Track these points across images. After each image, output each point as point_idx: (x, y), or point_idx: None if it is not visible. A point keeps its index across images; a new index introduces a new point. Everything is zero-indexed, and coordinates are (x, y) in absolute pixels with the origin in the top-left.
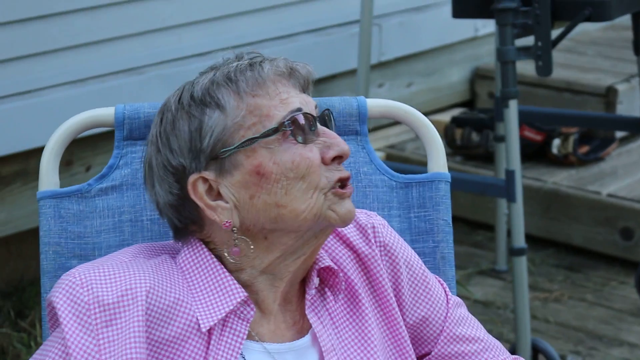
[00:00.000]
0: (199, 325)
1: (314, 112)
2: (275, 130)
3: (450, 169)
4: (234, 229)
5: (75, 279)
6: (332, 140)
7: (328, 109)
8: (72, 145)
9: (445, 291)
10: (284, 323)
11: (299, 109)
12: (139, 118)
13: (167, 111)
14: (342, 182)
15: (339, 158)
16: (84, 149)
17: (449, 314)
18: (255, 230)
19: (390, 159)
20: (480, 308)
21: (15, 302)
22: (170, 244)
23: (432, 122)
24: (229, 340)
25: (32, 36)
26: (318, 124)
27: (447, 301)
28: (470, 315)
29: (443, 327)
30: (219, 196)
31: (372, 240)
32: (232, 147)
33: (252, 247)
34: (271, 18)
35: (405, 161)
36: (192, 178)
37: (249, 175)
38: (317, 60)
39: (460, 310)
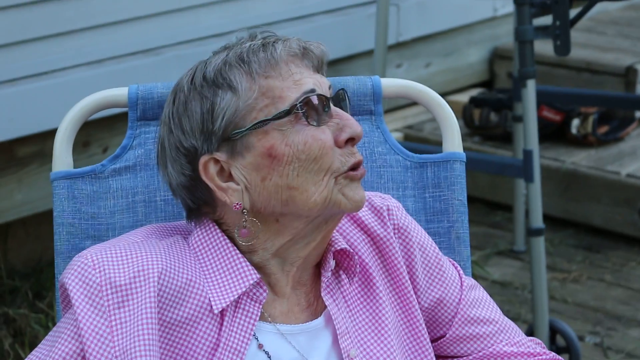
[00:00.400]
0: (211, 307)
1: (328, 93)
2: (287, 113)
3: (468, 149)
4: (244, 210)
5: (87, 261)
6: (346, 121)
7: (343, 89)
8: (89, 126)
9: (459, 274)
10: (298, 306)
11: (312, 90)
12: (152, 98)
13: (180, 91)
14: (355, 166)
15: (352, 140)
16: (101, 130)
17: (463, 297)
18: (266, 213)
19: (408, 139)
20: (498, 289)
21: (33, 284)
22: (182, 224)
23: (451, 102)
24: (242, 322)
25: (49, 17)
26: (332, 105)
27: (461, 284)
28: (485, 297)
29: (457, 310)
30: (230, 178)
31: (387, 223)
32: (244, 129)
33: (260, 229)
34: None
35: (423, 141)
36: (203, 159)
37: (260, 158)
38: (335, 41)
39: (475, 292)
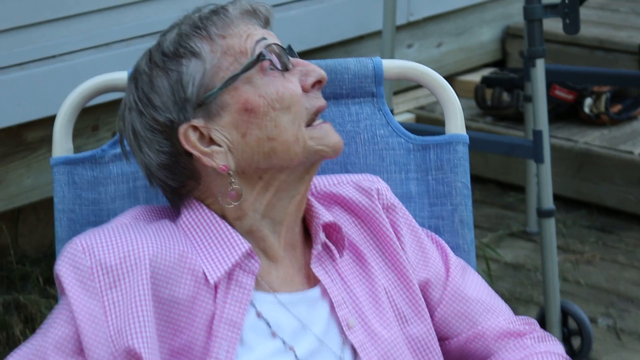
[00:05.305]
0: (205, 279)
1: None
2: (254, 62)
3: (480, 129)
4: (230, 172)
5: (77, 246)
6: (308, 67)
7: (290, 45)
8: (98, 110)
9: (447, 255)
10: (292, 268)
11: (264, 38)
12: None
13: (140, 75)
14: (320, 109)
15: (318, 83)
16: (111, 114)
17: (449, 277)
18: (251, 171)
19: (419, 120)
20: (510, 271)
21: (43, 269)
22: (170, 207)
23: (462, 82)
24: (236, 294)
25: (58, 0)
26: (289, 56)
27: (448, 266)
28: (476, 277)
29: (444, 290)
30: (211, 142)
31: (376, 201)
32: (216, 89)
33: (246, 190)
34: None
35: (435, 123)
36: (182, 128)
37: (237, 114)
38: (345, 21)
39: (463, 273)
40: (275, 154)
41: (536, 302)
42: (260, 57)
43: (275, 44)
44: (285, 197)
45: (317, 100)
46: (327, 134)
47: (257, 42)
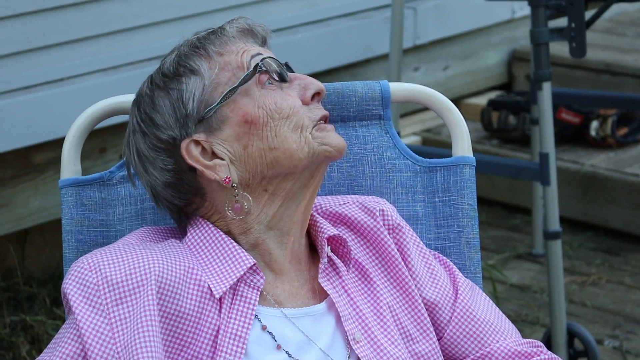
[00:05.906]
0: (211, 292)
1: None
2: (252, 74)
3: (486, 152)
4: (234, 184)
5: (84, 264)
6: (306, 80)
7: (286, 62)
8: (106, 132)
9: (455, 276)
10: (297, 282)
11: (259, 53)
12: None
13: (143, 97)
14: (324, 120)
15: (317, 95)
16: (118, 137)
17: (457, 298)
18: (255, 183)
19: (426, 143)
20: (516, 292)
21: (50, 290)
22: (176, 227)
23: (469, 105)
24: (240, 308)
25: (65, 24)
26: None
27: (456, 287)
28: (484, 298)
29: (453, 311)
30: (214, 156)
31: (379, 220)
32: (215, 104)
33: (252, 203)
34: (305, 3)
35: (441, 145)
36: (184, 144)
37: (238, 127)
38: (352, 45)
39: (472, 294)
40: (278, 163)
41: (542, 324)
42: (257, 69)
43: (270, 57)
44: (292, 205)
45: (319, 110)
46: (329, 134)
47: (253, 56)
